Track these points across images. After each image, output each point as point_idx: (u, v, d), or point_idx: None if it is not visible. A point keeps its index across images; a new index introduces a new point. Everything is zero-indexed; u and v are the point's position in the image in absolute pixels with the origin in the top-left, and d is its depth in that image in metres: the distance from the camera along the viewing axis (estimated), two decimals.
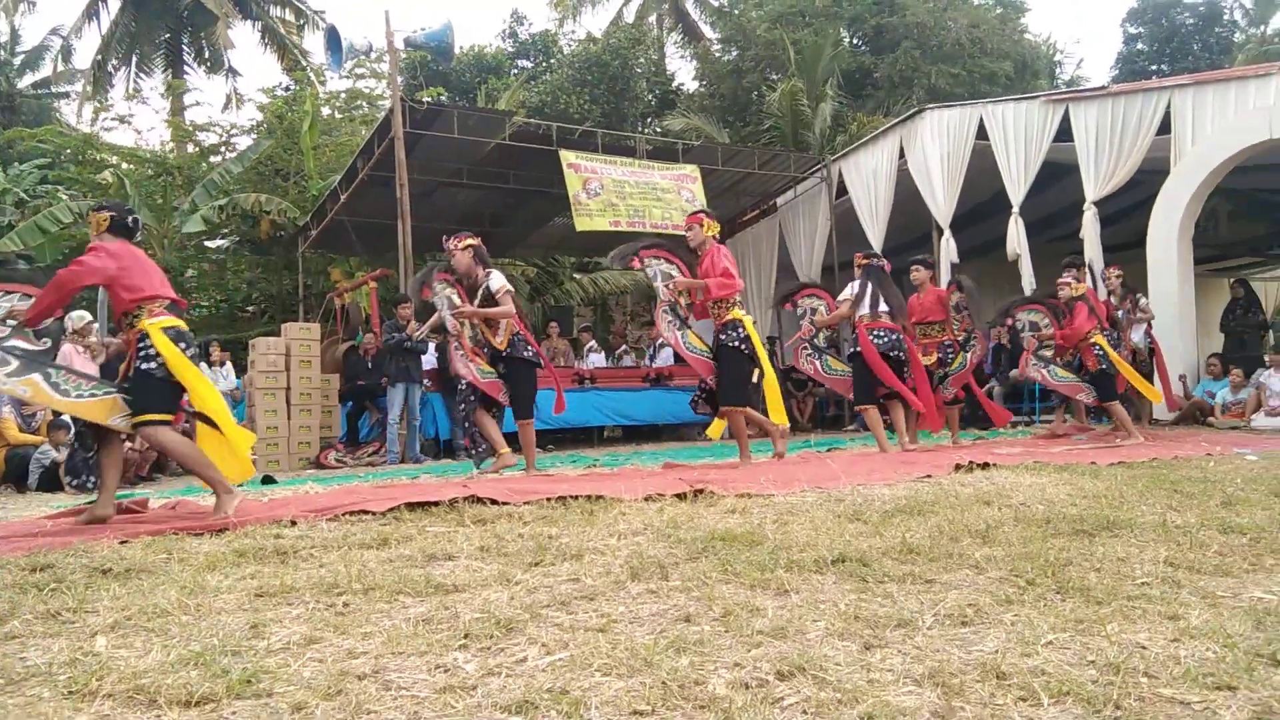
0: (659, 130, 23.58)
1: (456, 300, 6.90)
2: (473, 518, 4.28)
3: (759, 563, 3.12)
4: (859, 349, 7.91)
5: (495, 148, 12.26)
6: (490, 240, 16.50)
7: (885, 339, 7.82)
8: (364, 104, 19.78)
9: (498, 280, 6.89)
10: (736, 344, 6.88)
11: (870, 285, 7.98)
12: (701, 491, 4.91)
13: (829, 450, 8.82)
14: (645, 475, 6.29)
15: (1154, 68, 31.09)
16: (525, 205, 14.56)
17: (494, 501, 4.63)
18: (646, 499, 4.73)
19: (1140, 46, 33.04)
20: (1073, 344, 8.65)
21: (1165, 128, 10.92)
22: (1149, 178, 11.21)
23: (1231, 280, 13.88)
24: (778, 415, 7.19)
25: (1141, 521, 3.79)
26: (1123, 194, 11.60)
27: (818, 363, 8.38)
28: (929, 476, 5.51)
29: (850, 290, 8.07)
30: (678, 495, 4.83)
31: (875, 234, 13.89)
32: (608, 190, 12.03)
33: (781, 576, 2.95)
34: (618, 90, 23.40)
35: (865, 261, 8.21)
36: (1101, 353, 8.52)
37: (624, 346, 16.71)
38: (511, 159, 12.75)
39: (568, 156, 11.82)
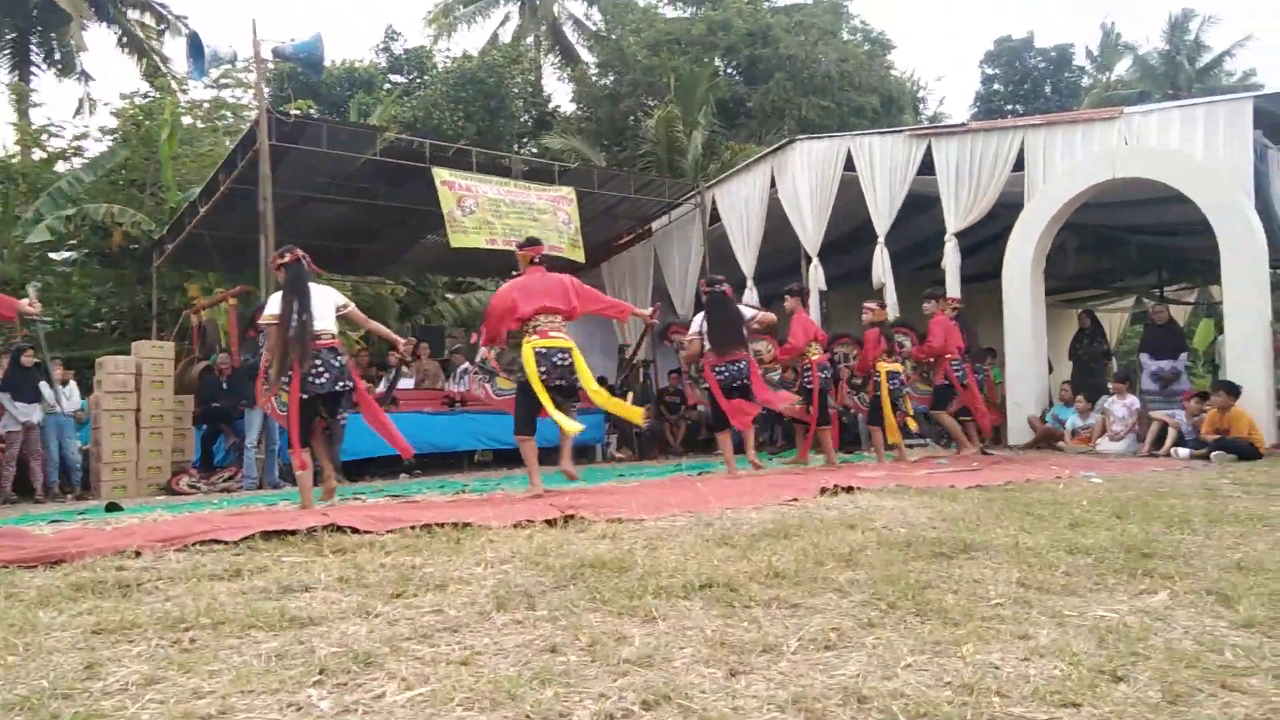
0: (535, 151, 23.56)
1: None
2: (332, 547, 4.12)
3: (628, 590, 3.10)
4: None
5: (366, 163, 11.98)
6: (359, 258, 16.24)
7: (726, 372, 8.11)
8: (228, 114, 19.07)
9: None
10: (522, 379, 6.90)
11: (704, 317, 8.38)
12: (572, 517, 4.87)
13: (700, 474, 8.89)
14: (515, 501, 6.20)
15: (1009, 107, 32.85)
16: (396, 223, 14.27)
17: (355, 530, 4.48)
18: (516, 526, 4.66)
19: (997, 87, 34.87)
20: (865, 369, 9.49)
21: (1020, 164, 11.49)
22: (1005, 211, 11.77)
23: (1079, 311, 14.68)
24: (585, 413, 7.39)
25: (996, 543, 3.93)
26: (981, 226, 12.14)
27: (697, 391, 9.03)
28: (795, 500, 5.60)
29: (697, 324, 8.41)
30: (548, 521, 4.77)
31: (747, 261, 14.16)
32: (483, 208, 11.89)
33: (649, 603, 2.93)
34: (493, 109, 23.28)
35: (708, 290, 8.53)
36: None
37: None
38: (383, 175, 12.49)
39: (441, 174, 11.65)
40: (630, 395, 13.90)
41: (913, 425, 10.58)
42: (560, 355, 6.72)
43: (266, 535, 4.31)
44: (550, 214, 12.50)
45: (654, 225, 15.94)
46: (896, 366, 9.34)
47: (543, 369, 6.57)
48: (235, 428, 10.66)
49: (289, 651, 2.51)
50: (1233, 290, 9.92)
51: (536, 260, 6.99)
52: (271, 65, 15.01)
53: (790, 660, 2.37)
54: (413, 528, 4.55)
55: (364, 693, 2.19)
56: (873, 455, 9.75)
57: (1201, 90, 29.26)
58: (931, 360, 9.86)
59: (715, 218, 14.87)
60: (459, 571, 3.51)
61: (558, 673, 2.27)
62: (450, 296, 20.16)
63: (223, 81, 18.50)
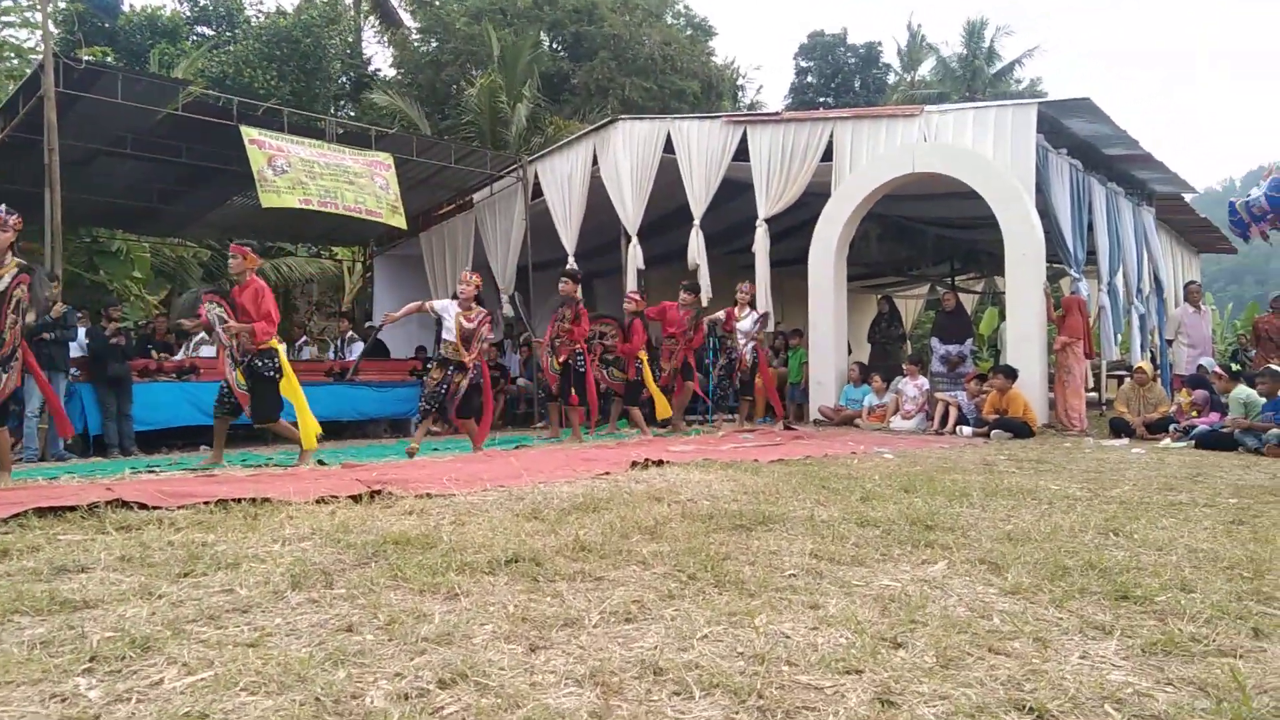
0: (353, 113, 22.66)
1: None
2: (116, 524, 3.87)
3: (431, 566, 3.05)
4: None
5: (167, 118, 11.18)
6: (159, 218, 15.23)
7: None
8: (12, 57, 17.41)
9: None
10: (271, 373, 7.50)
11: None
12: (379, 492, 4.75)
13: (516, 448, 8.86)
14: (320, 476, 5.99)
15: (821, 100, 34.14)
16: (201, 182, 13.43)
17: (142, 506, 4.21)
18: (318, 501, 4.50)
19: (810, 79, 36.17)
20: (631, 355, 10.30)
21: (828, 155, 11.96)
22: (813, 200, 12.22)
23: (879, 297, 15.47)
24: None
25: (793, 516, 4.10)
26: (791, 213, 12.57)
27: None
28: (607, 474, 5.67)
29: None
30: (353, 497, 4.63)
31: (568, 237, 14.15)
32: (295, 168, 11.30)
33: (453, 580, 2.90)
34: (309, 69, 22.20)
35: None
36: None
37: (305, 338, 15.90)
38: (186, 132, 11.68)
39: (250, 133, 11.01)
40: None
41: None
42: None
43: (41, 512, 3.99)
44: (367, 178, 12.05)
45: (475, 197, 15.68)
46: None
47: None
48: (15, 395, 9.79)
49: (57, 638, 2.33)
50: (1014, 281, 10.69)
51: None
52: (63, 6, 13.77)
53: (591, 634, 2.39)
54: (206, 503, 4.33)
55: (139, 680, 2.06)
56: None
57: (994, 95, 31.36)
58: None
59: (538, 192, 14.77)
60: (254, 549, 3.37)
61: (352, 653, 2.21)
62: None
63: (5, 20, 16.88)
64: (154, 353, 10.98)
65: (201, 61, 20.38)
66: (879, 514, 4.19)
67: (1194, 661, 2.28)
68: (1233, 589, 2.98)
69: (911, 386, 11.36)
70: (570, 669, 2.13)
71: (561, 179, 14.38)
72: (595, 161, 13.92)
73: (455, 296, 8.57)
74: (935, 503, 4.61)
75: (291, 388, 7.53)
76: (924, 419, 11.02)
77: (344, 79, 25.55)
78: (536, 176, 14.70)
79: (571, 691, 2.00)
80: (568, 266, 10.37)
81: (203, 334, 11.59)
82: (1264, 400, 8.55)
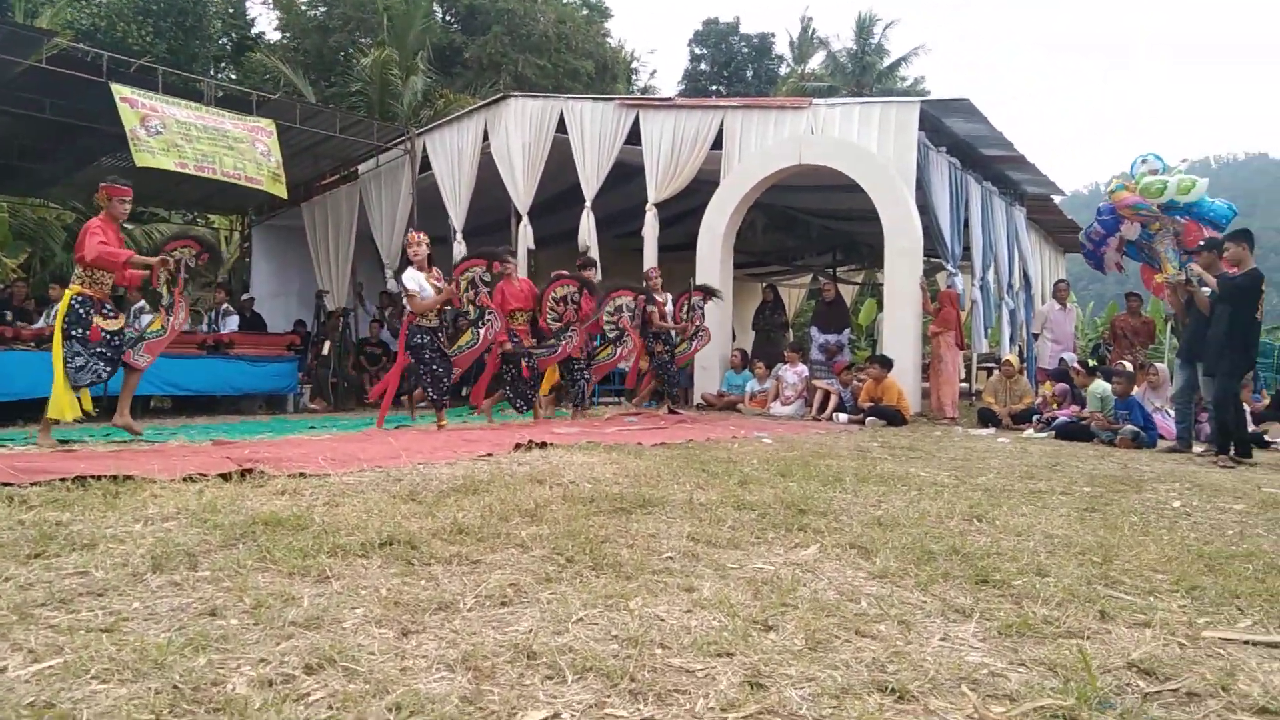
0: (233, 77, 21.78)
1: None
2: None
3: (302, 548, 2.97)
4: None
5: (29, 70, 10.53)
6: (19, 176, 14.35)
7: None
8: None
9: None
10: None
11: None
12: (250, 471, 4.59)
13: (397, 428, 8.70)
14: (188, 453, 5.77)
15: (714, 87, 34.46)
16: (66, 140, 12.70)
17: None
18: (186, 480, 4.32)
19: (704, 66, 36.46)
20: None
21: (719, 143, 12.08)
22: (703, 187, 12.34)
23: (764, 285, 15.74)
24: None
25: (673, 499, 4.14)
26: (681, 199, 12.67)
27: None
28: (490, 455, 5.62)
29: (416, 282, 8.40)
30: (223, 475, 4.47)
31: (457, 213, 13.94)
32: (171, 130, 10.77)
33: (324, 562, 2.83)
34: (187, 27, 21.24)
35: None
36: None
37: (142, 303, 15.24)
38: (50, 86, 11.01)
39: (121, 90, 10.44)
40: (328, 344, 13.35)
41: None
42: None
43: None
44: (247, 144, 11.58)
45: (361, 168, 15.28)
46: None
47: None
48: None
49: None
50: (892, 274, 11.02)
51: None
52: None
53: (465, 618, 2.37)
54: (63, 480, 4.11)
55: None
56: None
57: (880, 91, 32.17)
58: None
59: (426, 166, 14.49)
60: (112, 529, 3.21)
61: (215, 638, 2.14)
62: (129, 226, 18.25)
63: None
64: (10, 318, 10.38)
65: (70, 12, 19.27)
66: (756, 498, 4.27)
67: (1046, 643, 2.40)
68: (1083, 573, 3.14)
69: (791, 373, 11.61)
70: (442, 653, 2.11)
71: (451, 153, 14.14)
72: (486, 137, 13.75)
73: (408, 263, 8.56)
74: (810, 487, 4.72)
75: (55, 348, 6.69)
76: (803, 405, 11.28)
77: (225, 39, 24.53)
78: (425, 150, 14.42)
79: (443, 676, 1.98)
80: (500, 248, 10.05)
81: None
82: (1117, 397, 9.04)
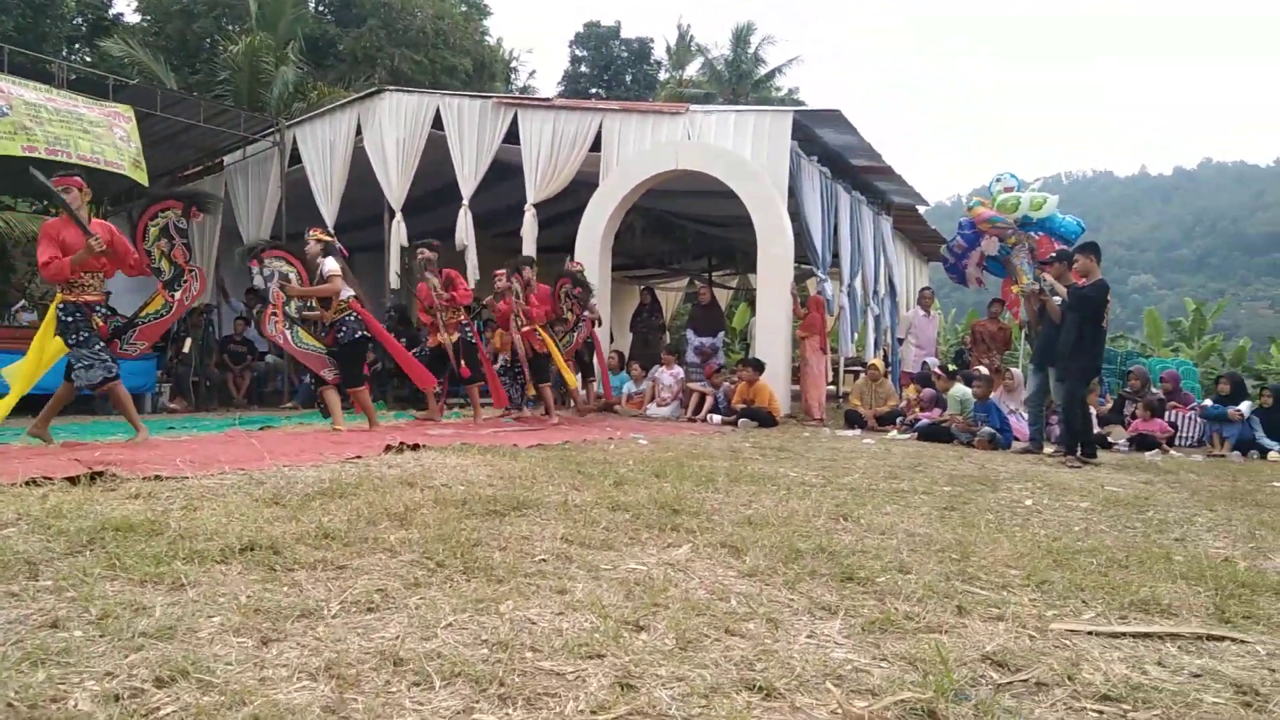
0: (89, 59, 20.62)
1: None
2: None
3: (155, 555, 2.83)
4: (364, 330, 8.01)
5: None
6: None
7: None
8: None
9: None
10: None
11: (343, 264, 8.05)
12: (101, 474, 4.35)
13: (261, 429, 8.39)
14: (33, 454, 5.43)
15: (593, 90, 34.52)
16: None
17: None
18: (28, 483, 4.07)
19: (584, 69, 36.49)
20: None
21: (597, 145, 12.10)
22: (582, 188, 12.33)
23: (641, 287, 15.83)
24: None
25: (547, 501, 4.12)
26: (560, 200, 12.63)
27: (289, 333, 7.99)
28: (359, 457, 5.48)
29: (334, 266, 7.96)
30: (70, 479, 4.22)
31: (329, 208, 13.56)
32: (19, 111, 10.11)
33: (179, 569, 2.70)
34: (37, 5, 20.03)
35: (329, 239, 8.20)
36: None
37: (22, 303, 14.38)
38: None
39: None
40: (189, 342, 12.77)
41: None
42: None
43: None
44: (105, 128, 10.98)
45: (226, 160, 14.68)
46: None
47: None
48: None
49: None
50: (765, 279, 11.24)
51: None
52: None
53: (329, 625, 2.30)
54: None
55: None
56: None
57: (756, 99, 32.79)
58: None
59: (297, 159, 14.04)
60: None
61: (56, 651, 2.02)
62: None
63: None
64: None
65: None
66: (630, 498, 4.29)
67: (906, 638, 2.48)
68: (943, 570, 3.27)
69: (667, 375, 11.72)
70: (304, 662, 2.04)
71: (323, 147, 13.75)
72: (360, 131, 13.41)
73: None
74: (683, 488, 4.77)
75: None
76: (678, 406, 11.40)
77: (79, 19, 23.21)
78: (295, 142, 13.97)
79: (305, 685, 1.91)
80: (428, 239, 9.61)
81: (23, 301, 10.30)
82: (976, 400, 9.45)
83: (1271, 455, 9.54)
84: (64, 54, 20.33)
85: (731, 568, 3.16)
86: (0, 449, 5.94)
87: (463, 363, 9.33)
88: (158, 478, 4.37)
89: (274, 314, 8.02)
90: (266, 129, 13.94)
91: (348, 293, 7.97)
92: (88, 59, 20.82)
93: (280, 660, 2.05)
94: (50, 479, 4.19)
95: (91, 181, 6.97)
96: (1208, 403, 10.71)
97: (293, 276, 7.95)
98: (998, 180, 12.27)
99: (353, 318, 7.95)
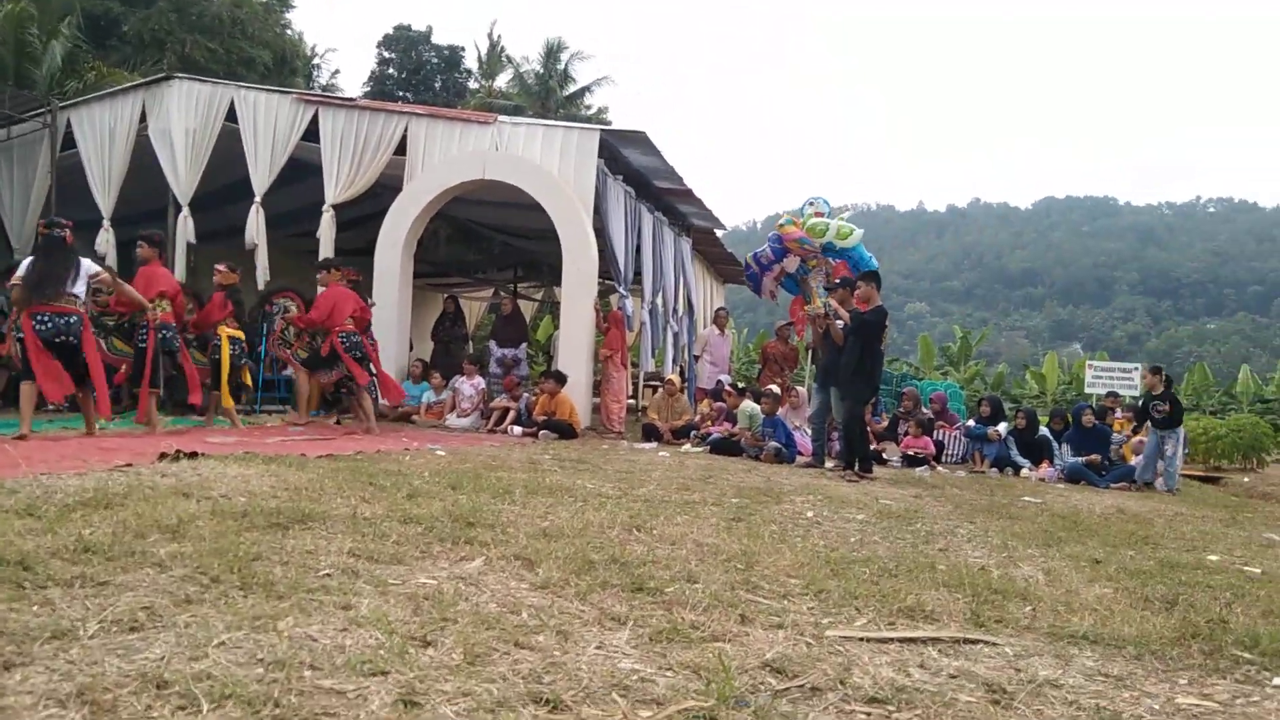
0: None
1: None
2: None
3: None
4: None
5: None
6: None
7: (50, 324, 7.10)
8: None
9: None
10: None
11: (44, 262, 7.30)
12: None
13: (14, 435, 7.68)
14: None
15: (400, 93, 33.78)
16: None
17: None
18: None
19: (391, 71, 35.67)
20: (204, 329, 9.16)
21: (402, 149, 11.84)
22: (385, 192, 12.03)
23: (445, 295, 15.59)
24: None
25: (335, 513, 3.98)
26: (361, 202, 12.27)
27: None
28: (129, 465, 5.10)
29: (24, 268, 7.33)
30: None
31: (105, 198, 12.64)
32: None
33: None
34: None
35: (46, 231, 7.45)
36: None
37: None
38: None
39: None
40: None
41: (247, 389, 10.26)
42: None
43: None
44: None
45: None
46: (239, 333, 9.20)
47: None
48: None
49: None
50: (569, 293, 11.33)
51: None
52: None
53: (85, 646, 2.13)
54: None
55: None
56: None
57: (565, 115, 33.01)
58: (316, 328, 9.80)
59: (71, 144, 12.98)
60: None
61: None
62: None
63: None
64: None
65: None
66: (423, 511, 4.20)
67: (692, 647, 2.55)
68: (729, 579, 3.38)
69: (468, 386, 11.59)
70: (53, 687, 1.87)
71: (102, 133, 12.80)
72: (144, 118, 12.57)
73: None
74: (480, 500, 4.72)
75: None
76: (479, 417, 11.28)
77: None
78: (70, 125, 12.93)
79: (53, 714, 1.76)
80: (147, 231, 8.82)
81: None
82: (764, 416, 9.86)
83: (1023, 472, 10.46)
84: None
85: (524, 580, 3.16)
86: None
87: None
88: None
89: None
90: (35, 109, 12.84)
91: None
92: None
93: (25, 686, 1.87)
94: None
95: None
96: (971, 423, 11.61)
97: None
98: (810, 204, 12.80)
99: None
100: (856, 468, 8.40)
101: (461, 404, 11.51)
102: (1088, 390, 17.86)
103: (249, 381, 9.99)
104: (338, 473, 5.42)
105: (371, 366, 9.76)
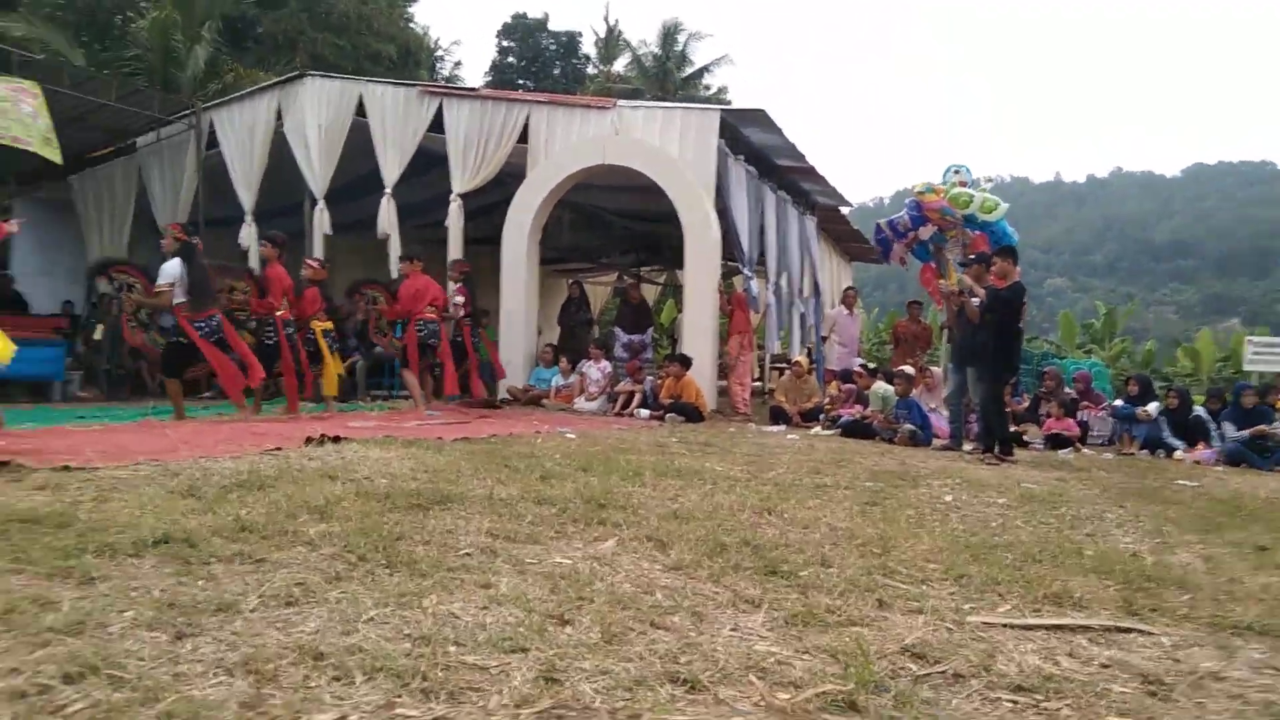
0: None
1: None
2: None
3: (63, 548, 2.73)
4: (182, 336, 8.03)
5: None
6: None
7: (207, 327, 7.96)
8: None
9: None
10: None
11: (196, 270, 8.05)
12: (6, 464, 4.20)
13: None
14: None
15: (520, 81, 34.29)
16: None
17: None
18: None
19: (511, 60, 36.24)
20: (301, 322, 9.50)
21: (525, 137, 12.01)
22: (509, 180, 12.23)
23: (570, 281, 15.78)
24: None
25: (472, 495, 4.08)
26: (487, 191, 12.51)
27: (144, 336, 9.12)
28: (279, 449, 5.36)
29: (175, 273, 7.95)
30: None
31: (247, 195, 13.24)
32: None
33: (90, 563, 2.61)
34: None
35: (184, 238, 8.16)
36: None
37: None
38: None
39: None
40: (101, 329, 12.34)
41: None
42: None
43: None
44: (10, 104, 10.50)
45: (139, 141, 14.22)
46: (329, 324, 9.66)
47: None
48: None
49: None
50: (692, 276, 11.31)
51: None
52: None
53: (247, 619, 2.25)
54: None
55: None
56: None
57: (683, 97, 32.91)
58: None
59: (214, 143, 13.66)
60: None
61: None
62: None
63: None
64: None
65: None
66: (556, 492, 4.27)
67: (828, 631, 2.52)
68: (864, 564, 3.32)
69: (596, 369, 11.72)
70: (221, 657, 1.99)
71: (242, 131, 13.41)
72: (280, 116, 13.11)
73: None
74: (610, 481, 4.77)
75: None
76: (606, 401, 11.40)
77: None
78: (213, 126, 13.60)
79: (221, 681, 1.86)
80: (268, 232, 9.49)
81: None
82: (898, 398, 9.64)
83: (1177, 454, 9.92)
84: None
85: (657, 561, 3.17)
86: None
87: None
88: (66, 468, 4.23)
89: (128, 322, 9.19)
90: (182, 111, 13.54)
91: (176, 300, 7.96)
92: None
93: (195, 655, 1.99)
94: None
95: None
96: (1118, 403, 11.07)
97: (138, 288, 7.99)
98: (955, 171, 12.25)
99: (172, 322, 8.19)
100: (996, 450, 8.13)
101: (589, 388, 11.65)
102: (1247, 368, 16.78)
103: (342, 371, 10.41)
104: (473, 456, 5.56)
105: (438, 357, 10.18)
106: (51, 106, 11.10)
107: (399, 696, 1.86)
